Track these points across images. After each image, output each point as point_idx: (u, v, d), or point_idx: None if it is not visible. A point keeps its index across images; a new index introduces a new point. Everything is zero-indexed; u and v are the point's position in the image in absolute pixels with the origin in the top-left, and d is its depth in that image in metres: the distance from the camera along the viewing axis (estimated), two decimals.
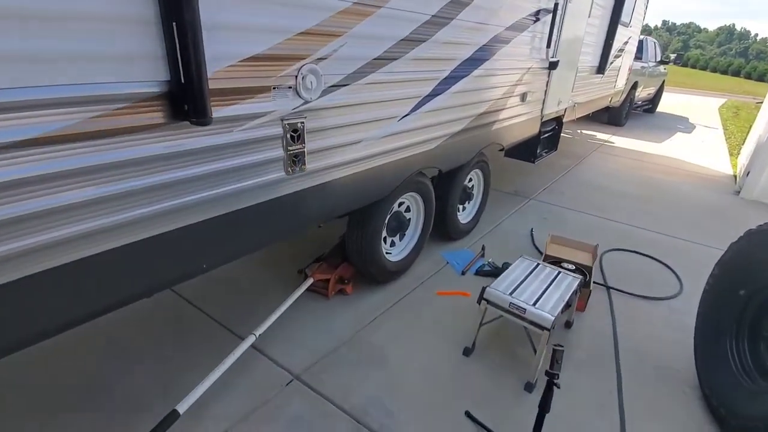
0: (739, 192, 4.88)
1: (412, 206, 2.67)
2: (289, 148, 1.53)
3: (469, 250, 3.16)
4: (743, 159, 5.86)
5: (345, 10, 1.55)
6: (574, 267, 2.66)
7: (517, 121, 3.41)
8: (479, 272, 2.85)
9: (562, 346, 1.32)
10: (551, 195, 4.48)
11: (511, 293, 1.99)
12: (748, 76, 31.95)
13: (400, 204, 2.56)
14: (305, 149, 1.60)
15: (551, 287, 2.09)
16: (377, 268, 2.45)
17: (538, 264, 2.30)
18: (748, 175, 4.80)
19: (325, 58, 1.55)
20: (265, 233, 1.58)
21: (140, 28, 1.03)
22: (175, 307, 2.34)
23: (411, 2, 1.84)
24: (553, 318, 1.84)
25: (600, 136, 7.74)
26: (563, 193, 4.57)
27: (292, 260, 2.78)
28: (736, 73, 33.68)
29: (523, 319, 1.91)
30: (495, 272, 2.80)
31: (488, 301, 2.01)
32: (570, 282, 2.14)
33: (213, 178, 1.32)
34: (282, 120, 1.47)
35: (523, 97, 3.32)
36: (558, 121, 4.49)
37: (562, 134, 7.44)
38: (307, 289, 2.42)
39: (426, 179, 2.59)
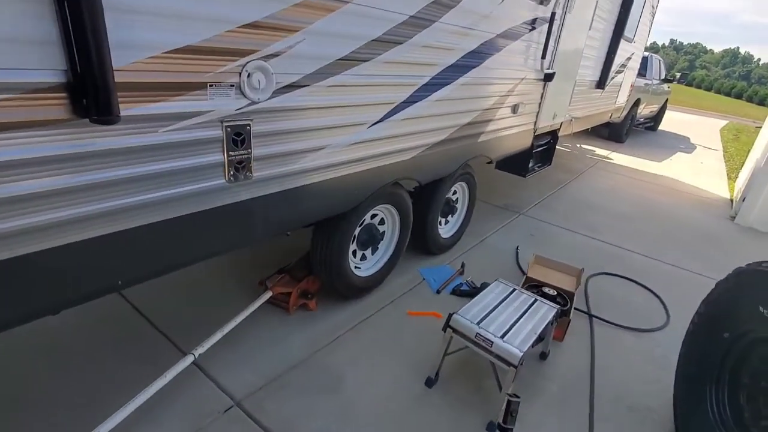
0: (734, 217, 4.73)
1: (387, 219, 2.51)
2: (231, 153, 1.36)
3: (449, 266, 2.99)
4: (740, 183, 5.71)
5: (303, 2, 1.39)
6: (555, 293, 2.50)
7: (508, 133, 3.25)
8: (455, 291, 2.68)
9: (518, 397, 1.16)
10: (543, 211, 4.32)
11: (479, 322, 1.83)
12: (750, 100, 31.95)
13: (373, 216, 2.40)
14: (251, 155, 1.44)
15: (524, 317, 1.92)
16: (343, 284, 2.29)
17: (514, 289, 2.13)
18: (744, 200, 4.65)
19: (278, 55, 1.39)
20: (198, 247, 1.41)
21: (28, 5, 0.87)
22: (121, 314, 2.17)
23: (385, 0, 1.68)
24: (522, 354, 1.67)
25: (599, 151, 7.59)
26: (555, 209, 4.41)
27: (258, 268, 2.61)
28: (739, 96, 33.66)
29: (489, 352, 1.74)
30: (472, 292, 2.63)
31: (454, 330, 1.85)
32: (545, 312, 1.98)
33: (131, 183, 1.16)
34: (222, 122, 1.31)
35: (514, 108, 3.16)
36: (553, 135, 4.34)
37: (559, 148, 7.33)
38: (269, 302, 2.26)
39: (402, 191, 2.42)
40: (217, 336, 1.91)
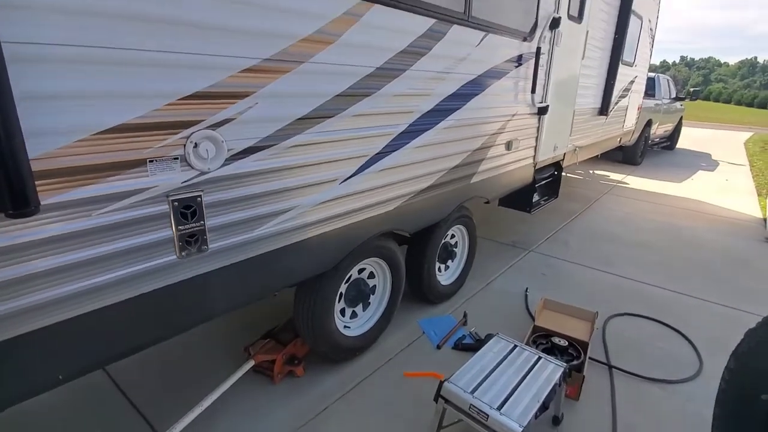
0: None
1: (377, 272, 2.37)
2: (180, 227, 1.29)
3: (452, 316, 2.80)
4: None
5: (251, 68, 1.35)
6: (566, 343, 2.27)
7: (504, 170, 3.13)
8: (458, 346, 2.48)
9: None
10: (554, 246, 4.09)
11: (474, 390, 1.63)
12: None
13: (361, 270, 2.27)
14: (205, 226, 1.36)
15: (526, 380, 1.71)
16: (330, 346, 2.13)
17: (515, 346, 1.93)
18: None
19: (228, 122, 1.34)
20: (150, 330, 1.32)
21: None
22: (98, 386, 2.07)
23: (345, 56, 1.64)
24: (522, 428, 1.46)
25: (613, 176, 7.34)
26: (567, 243, 4.18)
27: (247, 329, 2.49)
28: (763, 105, 32.75)
29: (485, 426, 1.53)
30: (476, 346, 2.42)
31: (446, 400, 1.65)
32: (551, 372, 1.76)
33: (65, 272, 1.08)
34: (167, 196, 1.25)
35: (508, 145, 3.06)
36: (557, 166, 4.19)
37: (570, 175, 7.14)
38: (255, 370, 2.12)
39: (390, 242, 2.30)
40: (194, 413, 1.77)
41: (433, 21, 2.02)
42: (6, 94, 0.88)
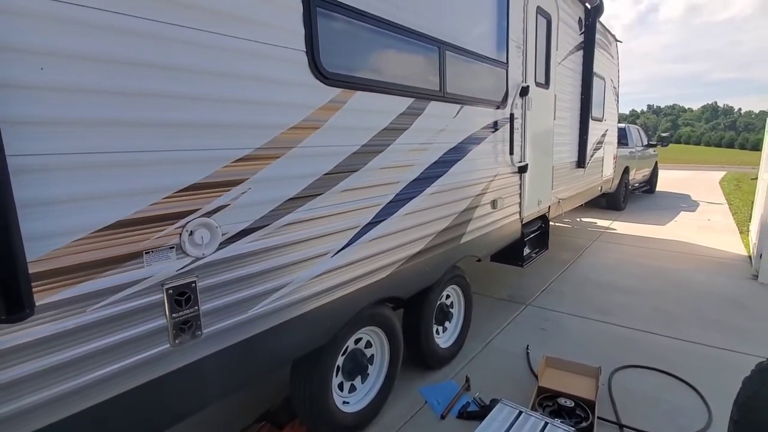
0: (757, 276, 4.42)
1: (374, 341, 2.34)
2: (174, 315, 1.30)
3: (454, 381, 2.72)
4: (753, 237, 5.47)
5: (244, 157, 1.44)
6: (573, 403, 2.21)
7: (492, 228, 3.21)
8: (462, 414, 2.38)
9: None
10: (550, 297, 4.08)
11: None
12: (743, 147, 32.73)
13: (358, 340, 2.24)
14: (199, 311, 1.37)
15: None
16: (330, 426, 2.04)
17: (521, 413, 1.87)
18: (761, 257, 4.39)
19: (222, 209, 1.40)
20: (145, 425, 1.27)
21: None
22: None
23: (331, 138, 1.76)
24: None
25: (600, 222, 7.51)
26: (563, 293, 4.18)
27: (240, 410, 2.37)
28: (730, 145, 34.60)
29: None
30: (481, 413, 2.33)
31: None
32: None
33: (57, 372, 1.07)
34: (163, 285, 1.27)
35: (493, 204, 3.17)
36: (543, 219, 4.30)
37: (558, 225, 7.29)
38: None
39: (385, 309, 2.30)
40: None
41: (411, 100, 2.19)
42: (8, 204, 0.93)
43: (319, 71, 1.67)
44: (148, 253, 1.23)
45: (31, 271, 0.99)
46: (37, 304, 1.01)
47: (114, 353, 1.18)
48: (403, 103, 2.15)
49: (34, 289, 1.00)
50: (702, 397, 2.47)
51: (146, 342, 1.24)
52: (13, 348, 1.00)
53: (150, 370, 1.26)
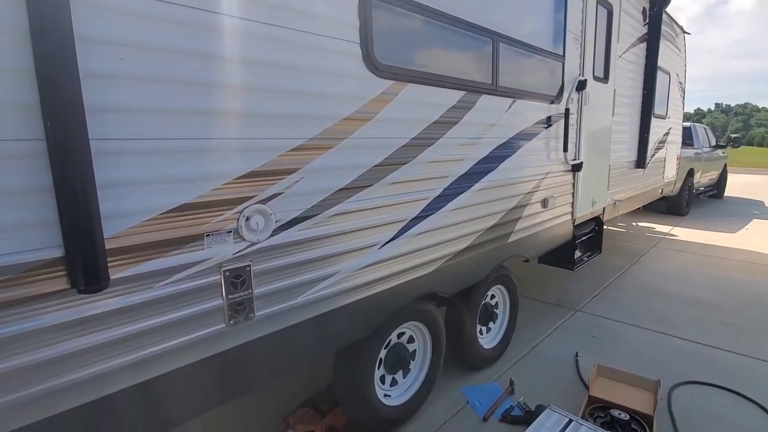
0: None
1: (417, 337, 2.32)
2: (230, 296, 1.35)
3: (497, 383, 2.64)
4: None
5: (299, 147, 1.48)
6: (628, 416, 2.08)
7: (542, 228, 3.09)
8: (505, 418, 2.31)
9: None
10: (602, 304, 3.87)
11: None
12: None
13: (401, 334, 2.23)
14: (253, 294, 1.42)
15: None
16: (370, 416, 2.05)
17: (571, 421, 1.78)
18: None
19: (276, 196, 1.44)
20: (196, 401, 1.34)
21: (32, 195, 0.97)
22: None
23: (382, 130, 1.76)
24: None
25: (659, 228, 7.02)
26: (617, 300, 3.94)
27: (284, 396, 2.44)
28: None
29: None
30: (526, 418, 2.25)
31: None
32: None
33: (123, 343, 1.15)
34: (221, 267, 1.32)
35: (544, 203, 3.05)
36: (597, 221, 4.08)
37: (613, 229, 6.89)
38: None
39: (429, 305, 2.28)
40: None
41: (462, 93, 2.14)
42: (90, 184, 1.01)
43: (372, 63, 1.68)
44: (209, 235, 1.29)
45: (106, 247, 1.07)
46: (111, 278, 1.09)
47: (176, 329, 1.25)
48: (454, 96, 2.11)
49: (108, 264, 1.08)
50: None
51: (205, 320, 1.31)
52: (92, 317, 1.09)
53: (207, 347, 1.32)
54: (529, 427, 1.74)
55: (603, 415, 2.11)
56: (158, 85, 1.14)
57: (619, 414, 2.08)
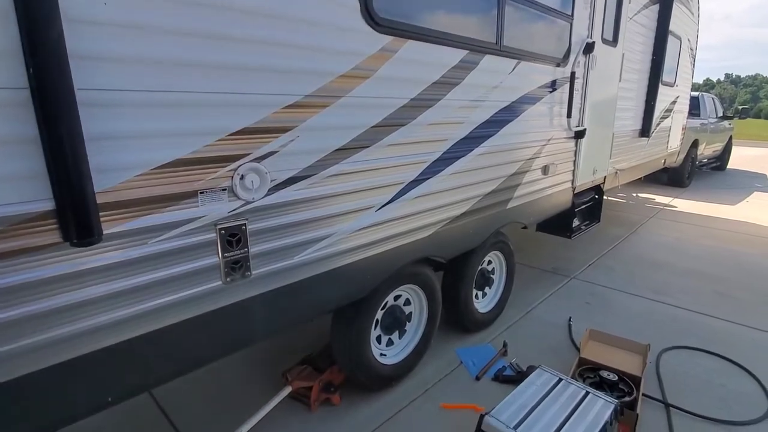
0: None
1: (413, 299, 2.36)
2: (226, 254, 1.35)
3: (491, 345, 2.71)
4: None
5: (294, 104, 1.43)
6: (616, 377, 2.14)
7: (541, 195, 3.07)
8: (498, 377, 2.38)
9: None
10: (597, 272, 3.91)
11: (517, 425, 1.56)
12: None
13: (397, 297, 2.26)
14: (249, 253, 1.42)
15: (574, 417, 1.62)
16: (367, 374, 2.11)
17: (560, 380, 1.84)
18: None
19: (271, 155, 1.41)
20: (195, 354, 1.36)
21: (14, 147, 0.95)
22: (141, 407, 2.13)
23: (380, 89, 1.71)
24: None
25: (659, 199, 7.00)
26: (613, 269, 3.98)
27: (286, 354, 2.51)
28: None
29: None
30: (517, 378, 2.32)
31: None
32: (600, 409, 1.66)
33: (120, 297, 1.16)
34: (215, 225, 1.32)
35: (545, 170, 3.01)
36: (597, 190, 4.06)
37: (612, 199, 6.88)
38: (292, 397, 2.13)
39: (426, 269, 2.29)
40: None
41: (465, 52, 2.07)
42: (77, 135, 0.98)
43: (371, 17, 1.61)
44: (203, 193, 1.27)
45: (98, 201, 1.05)
46: (104, 232, 1.08)
47: (173, 285, 1.26)
48: (456, 55, 2.03)
49: (101, 219, 1.07)
50: (762, 386, 2.31)
51: (201, 277, 1.32)
52: (88, 271, 1.09)
53: (204, 303, 1.34)
54: (520, 385, 1.80)
55: (592, 376, 2.17)
56: (146, 34, 1.09)
57: (608, 375, 2.14)
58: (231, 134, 1.30)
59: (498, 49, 2.28)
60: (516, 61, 2.44)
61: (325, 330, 2.16)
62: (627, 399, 2.00)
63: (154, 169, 1.16)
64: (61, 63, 0.95)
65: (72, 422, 1.17)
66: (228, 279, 1.38)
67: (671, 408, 2.14)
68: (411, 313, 2.37)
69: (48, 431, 1.13)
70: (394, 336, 2.32)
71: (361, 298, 1.94)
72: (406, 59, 1.77)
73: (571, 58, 2.96)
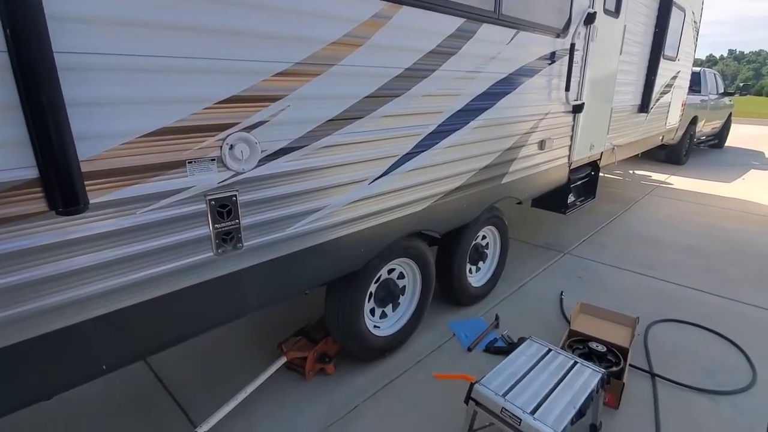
0: None
1: (407, 273, 2.37)
2: (216, 225, 1.34)
3: (483, 318, 2.75)
4: None
5: (284, 72, 1.39)
6: (604, 348, 2.18)
7: (537, 170, 3.06)
8: (489, 348, 2.43)
9: None
10: (591, 248, 3.94)
11: (506, 393, 1.60)
12: None
13: (391, 270, 2.28)
14: (240, 225, 1.41)
15: (562, 385, 1.66)
16: (360, 346, 2.15)
17: (549, 350, 1.87)
18: None
19: (261, 124, 1.38)
20: (187, 325, 1.37)
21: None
22: (139, 378, 2.17)
23: (374, 57, 1.66)
24: None
25: (656, 176, 7.00)
26: (605, 245, 4.02)
27: (281, 326, 2.55)
28: None
29: (517, 431, 1.49)
30: (508, 349, 2.37)
31: (477, 402, 1.63)
32: (588, 378, 1.70)
33: (111, 267, 1.15)
34: (205, 196, 1.30)
35: (541, 144, 2.99)
36: (594, 166, 4.04)
37: (608, 176, 6.86)
38: (287, 367, 2.17)
39: (419, 243, 2.30)
40: (229, 406, 1.84)
41: (462, 20, 2.01)
42: (57, 100, 0.95)
43: None
44: (191, 162, 1.25)
45: (83, 169, 1.03)
46: (91, 202, 1.07)
47: (164, 255, 1.25)
48: (453, 23, 1.97)
49: (87, 188, 1.05)
50: (747, 358, 2.37)
51: (192, 248, 1.31)
52: (75, 240, 1.08)
53: (196, 274, 1.34)
54: (510, 355, 1.83)
55: (581, 347, 2.22)
56: None
57: (597, 346, 2.19)
58: (219, 102, 1.27)
59: (496, 18, 2.21)
60: (515, 31, 2.38)
61: (320, 302, 2.18)
62: (614, 369, 2.04)
63: (140, 137, 1.13)
64: (39, 24, 0.91)
65: (67, 389, 1.18)
66: (219, 250, 1.37)
67: (657, 378, 2.20)
68: (405, 286, 2.39)
69: (44, 398, 1.15)
70: (388, 309, 2.35)
71: (355, 271, 1.95)
72: (400, 26, 1.72)
73: (572, 29, 2.89)
